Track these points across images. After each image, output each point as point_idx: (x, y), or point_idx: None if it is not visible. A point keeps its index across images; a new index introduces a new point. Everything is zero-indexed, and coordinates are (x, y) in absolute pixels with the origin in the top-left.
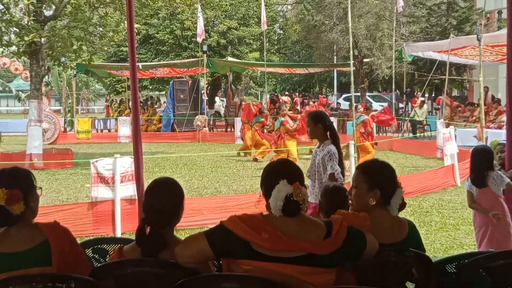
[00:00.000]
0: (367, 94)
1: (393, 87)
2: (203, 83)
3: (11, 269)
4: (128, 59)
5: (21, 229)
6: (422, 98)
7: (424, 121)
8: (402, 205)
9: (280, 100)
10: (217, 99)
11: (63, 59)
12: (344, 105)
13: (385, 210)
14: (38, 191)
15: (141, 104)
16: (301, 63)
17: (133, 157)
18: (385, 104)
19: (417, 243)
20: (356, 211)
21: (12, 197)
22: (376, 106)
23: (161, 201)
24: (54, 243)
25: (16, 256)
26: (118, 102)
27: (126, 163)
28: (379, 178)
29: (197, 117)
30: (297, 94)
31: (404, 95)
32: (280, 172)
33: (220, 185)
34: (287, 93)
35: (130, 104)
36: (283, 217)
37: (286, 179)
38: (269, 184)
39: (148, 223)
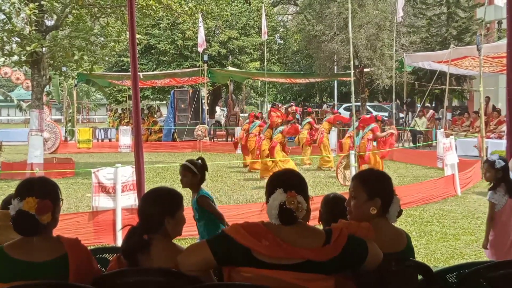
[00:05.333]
0: (368, 104)
1: (394, 97)
2: (204, 92)
3: (28, 278)
4: (129, 69)
5: (43, 240)
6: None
7: (424, 131)
8: (399, 213)
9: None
10: (217, 108)
11: (64, 68)
12: (345, 115)
13: (385, 219)
14: (60, 203)
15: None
16: (302, 72)
17: (134, 166)
18: (385, 114)
19: (413, 253)
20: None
21: (42, 207)
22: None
23: (144, 206)
24: (73, 259)
25: (34, 266)
26: (119, 112)
27: (127, 173)
28: (378, 187)
29: (197, 126)
30: (292, 103)
31: (405, 105)
32: (278, 181)
33: (221, 195)
34: (293, 103)
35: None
36: (283, 225)
37: (282, 188)
38: (268, 194)
39: (135, 227)
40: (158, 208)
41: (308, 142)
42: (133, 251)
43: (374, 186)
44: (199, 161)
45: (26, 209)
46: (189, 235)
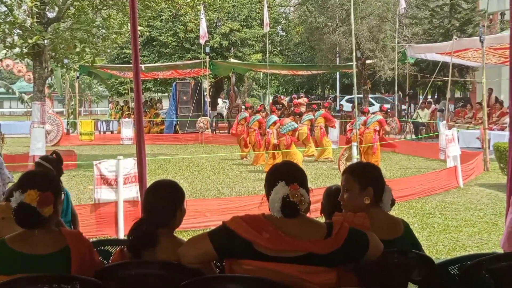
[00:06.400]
0: (370, 95)
1: (396, 88)
2: (206, 84)
3: (29, 271)
4: (131, 61)
5: (44, 232)
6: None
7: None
8: (393, 202)
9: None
10: (219, 100)
11: (66, 61)
12: (347, 107)
13: (379, 208)
14: (62, 196)
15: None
16: (304, 64)
17: (136, 158)
18: (388, 106)
19: (415, 240)
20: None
21: (44, 199)
22: (378, 107)
23: (156, 200)
24: (75, 252)
25: (36, 259)
26: (120, 104)
27: (129, 165)
28: (369, 176)
29: (199, 118)
30: (302, 95)
31: (407, 97)
32: (279, 174)
33: (223, 187)
34: (302, 94)
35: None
36: (284, 218)
37: (285, 180)
38: (269, 186)
39: (144, 221)
40: (171, 201)
41: (309, 139)
42: (145, 247)
43: (365, 176)
44: (53, 155)
45: (28, 201)
46: (191, 227)
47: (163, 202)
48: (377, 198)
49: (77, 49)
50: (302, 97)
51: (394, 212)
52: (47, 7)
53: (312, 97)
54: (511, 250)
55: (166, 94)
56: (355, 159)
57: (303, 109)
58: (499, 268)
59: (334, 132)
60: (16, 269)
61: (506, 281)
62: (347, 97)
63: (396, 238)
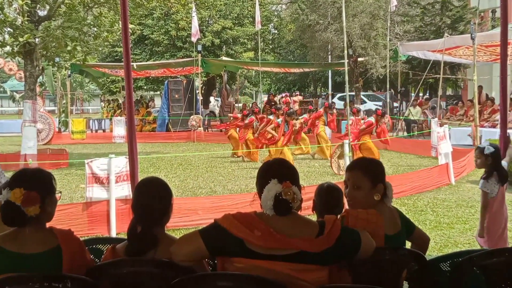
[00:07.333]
0: (362, 93)
1: (388, 86)
2: (198, 83)
3: (20, 270)
4: (122, 59)
5: (35, 231)
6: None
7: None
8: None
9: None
10: (211, 99)
11: (57, 59)
12: (339, 104)
13: (383, 203)
14: (57, 195)
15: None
16: (296, 62)
17: (128, 157)
18: (380, 103)
19: (408, 223)
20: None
21: (28, 199)
22: (371, 105)
23: (150, 199)
24: (66, 251)
25: (27, 258)
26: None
27: (121, 163)
28: (379, 174)
29: (192, 117)
30: (297, 92)
31: (399, 94)
32: (271, 172)
33: (215, 185)
34: (297, 93)
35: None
36: (276, 216)
37: (277, 178)
38: (261, 184)
39: (139, 222)
40: (163, 199)
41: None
42: (147, 250)
43: (376, 173)
44: None
45: (13, 200)
46: (183, 225)
47: (156, 200)
48: (383, 194)
49: (69, 48)
50: (297, 95)
51: None
52: (38, 6)
53: (307, 95)
54: (484, 245)
55: (158, 92)
56: (347, 157)
57: (296, 107)
58: (490, 264)
59: (327, 130)
60: (6, 268)
61: (496, 277)
62: (339, 94)
63: (398, 231)
